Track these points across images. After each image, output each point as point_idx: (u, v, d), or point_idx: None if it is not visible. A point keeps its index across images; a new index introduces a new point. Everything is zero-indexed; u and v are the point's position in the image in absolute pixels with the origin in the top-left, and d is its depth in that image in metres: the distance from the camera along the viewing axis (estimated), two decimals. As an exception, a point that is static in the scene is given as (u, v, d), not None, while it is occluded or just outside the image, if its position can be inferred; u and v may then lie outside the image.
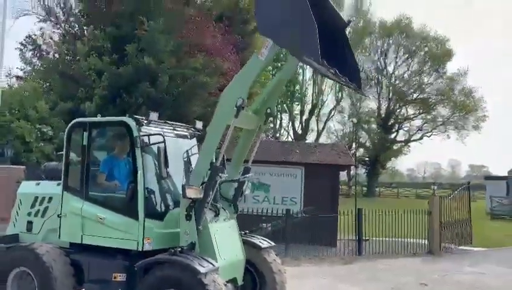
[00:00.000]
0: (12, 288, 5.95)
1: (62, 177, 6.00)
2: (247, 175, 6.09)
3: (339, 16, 5.78)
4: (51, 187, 6.36)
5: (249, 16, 18.80)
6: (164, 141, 5.32)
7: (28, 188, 6.75)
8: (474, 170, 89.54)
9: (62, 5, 17.02)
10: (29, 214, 6.50)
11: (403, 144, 45.62)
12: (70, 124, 6.03)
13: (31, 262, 5.76)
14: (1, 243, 6.40)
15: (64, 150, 6.00)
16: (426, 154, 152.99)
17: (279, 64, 27.30)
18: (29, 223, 6.47)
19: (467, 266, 10.81)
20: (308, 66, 5.40)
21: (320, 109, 43.69)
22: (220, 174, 5.31)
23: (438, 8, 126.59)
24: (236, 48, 16.42)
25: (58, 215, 5.99)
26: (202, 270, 4.78)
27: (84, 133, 5.80)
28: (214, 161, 5.48)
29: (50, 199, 6.31)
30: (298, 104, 42.38)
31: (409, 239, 12.40)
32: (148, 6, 12.71)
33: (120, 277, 5.47)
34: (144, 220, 5.38)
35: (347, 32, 6.23)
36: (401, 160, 61.44)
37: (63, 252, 5.87)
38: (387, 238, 12.23)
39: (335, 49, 5.45)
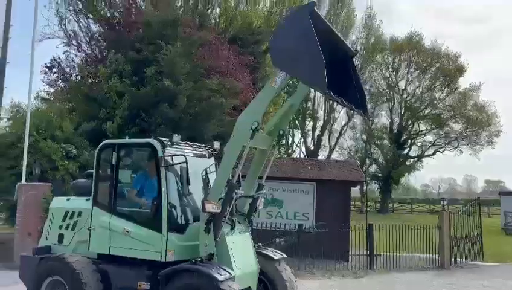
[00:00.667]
0: (46, 296, 6.49)
1: (92, 193, 6.56)
2: (261, 191, 6.59)
3: (347, 47, 6.32)
4: (80, 203, 6.95)
5: (261, 36, 19.55)
6: (186, 161, 5.85)
7: (59, 203, 7.35)
8: (491, 185, 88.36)
9: (84, 30, 18.00)
10: (60, 227, 7.07)
11: (416, 159, 45.57)
12: (100, 145, 6.64)
13: (63, 271, 6.30)
14: (35, 254, 6.98)
15: (94, 168, 6.60)
16: (441, 170, 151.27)
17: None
18: (61, 235, 7.03)
19: (476, 280, 11.02)
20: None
21: (332, 125, 44.09)
22: (236, 190, 5.82)
23: (450, 23, 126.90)
24: (250, 68, 17.09)
25: (87, 228, 6.54)
26: (220, 278, 5.26)
27: (113, 153, 6.39)
28: (231, 178, 5.99)
29: (80, 213, 6.88)
30: (310, 121, 42.83)
31: (420, 254, 12.64)
32: (166, 31, 13.43)
33: (144, 285, 5.95)
34: (167, 233, 5.89)
35: (355, 57, 6.76)
36: (415, 176, 61.06)
37: (91, 262, 6.40)
38: (398, 253, 12.49)
39: (344, 77, 6.01)
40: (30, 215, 11.22)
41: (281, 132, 6.42)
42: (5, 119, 14.96)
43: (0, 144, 12.96)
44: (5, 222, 14.44)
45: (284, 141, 6.86)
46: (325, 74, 5.05)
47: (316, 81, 5.28)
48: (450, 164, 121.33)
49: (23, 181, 11.70)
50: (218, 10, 21.67)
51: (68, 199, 7.42)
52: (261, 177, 6.71)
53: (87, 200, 6.74)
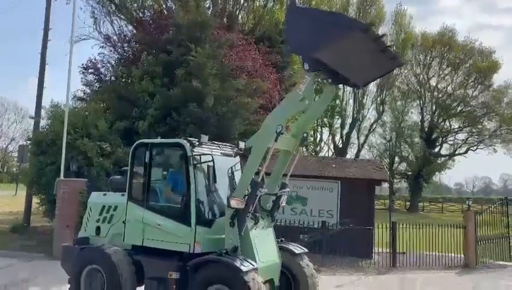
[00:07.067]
0: (85, 282, 7.04)
1: (127, 189, 7.08)
2: (284, 190, 6.93)
3: (395, 56, 6.60)
4: (116, 197, 7.48)
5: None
6: (213, 160, 6.27)
7: (97, 198, 7.92)
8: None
9: (117, 32, 18.77)
10: (97, 220, 7.62)
11: (447, 158, 44.72)
12: (134, 145, 7.15)
13: (101, 261, 6.82)
14: (75, 244, 7.58)
15: (129, 166, 7.11)
16: (477, 168, 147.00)
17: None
18: (98, 228, 7.58)
19: (501, 280, 11.01)
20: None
21: (361, 122, 43.81)
22: (260, 189, 6.19)
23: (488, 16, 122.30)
24: (276, 67, 17.41)
25: (123, 222, 7.05)
26: (244, 269, 5.65)
27: (146, 152, 6.88)
28: (255, 177, 6.33)
29: (115, 207, 7.40)
30: (338, 118, 42.69)
31: (445, 253, 12.66)
32: (195, 33, 13.92)
33: (175, 275, 6.38)
34: (195, 227, 6.34)
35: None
36: (448, 174, 59.89)
37: (127, 253, 6.90)
38: (424, 252, 12.55)
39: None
40: (68, 209, 11.87)
41: (305, 135, 6.71)
42: (46, 119, 15.81)
43: (42, 142, 13.81)
44: (44, 215, 15.29)
45: (307, 143, 7.17)
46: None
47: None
48: (486, 162, 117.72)
49: (61, 177, 12.40)
50: (246, 10, 22.07)
51: (105, 194, 7.98)
52: (286, 174, 7.01)
53: (122, 195, 7.25)
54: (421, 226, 12.68)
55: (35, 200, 15.99)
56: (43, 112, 16.47)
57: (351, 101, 42.60)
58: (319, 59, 5.73)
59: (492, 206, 13.87)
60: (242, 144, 7.39)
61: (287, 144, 6.62)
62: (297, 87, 6.18)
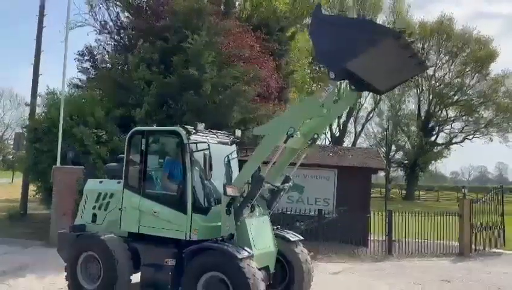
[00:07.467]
0: (81, 269, 7.08)
1: (123, 176, 7.07)
2: (287, 184, 6.93)
3: (422, 61, 6.52)
4: (112, 185, 7.49)
5: (286, 23, 19.66)
6: (209, 148, 6.26)
7: (93, 185, 7.94)
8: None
9: (113, 19, 18.55)
10: (94, 207, 7.64)
11: (443, 146, 44.88)
12: (130, 132, 7.13)
13: (98, 247, 6.87)
14: (71, 231, 7.60)
15: (125, 153, 7.10)
16: (472, 157, 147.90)
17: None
18: (94, 215, 7.61)
19: (494, 267, 11.14)
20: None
21: (358, 111, 43.79)
22: (264, 183, 6.21)
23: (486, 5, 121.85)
24: (274, 54, 17.30)
25: (119, 209, 7.07)
26: (240, 256, 5.69)
27: (142, 139, 6.87)
28: (261, 172, 6.32)
29: (112, 195, 7.42)
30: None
31: (440, 241, 12.77)
32: (191, 20, 13.79)
33: (171, 262, 6.44)
34: (192, 215, 6.35)
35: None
36: (444, 163, 60.25)
37: (123, 240, 6.94)
38: (419, 240, 12.65)
39: None
40: (65, 196, 11.86)
41: (315, 136, 6.58)
42: (42, 106, 15.71)
43: (38, 130, 13.74)
44: (41, 202, 15.29)
45: (315, 144, 7.14)
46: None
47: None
48: (481, 152, 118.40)
49: (58, 164, 12.38)
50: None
51: (101, 182, 8.00)
52: (294, 163, 6.94)
53: (118, 182, 7.26)
54: (416, 214, 12.76)
55: (31, 187, 15.97)
56: (39, 99, 16.35)
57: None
58: (348, 69, 5.50)
59: (488, 195, 13.95)
60: (238, 132, 7.38)
61: (295, 143, 6.51)
62: (319, 95, 6.08)
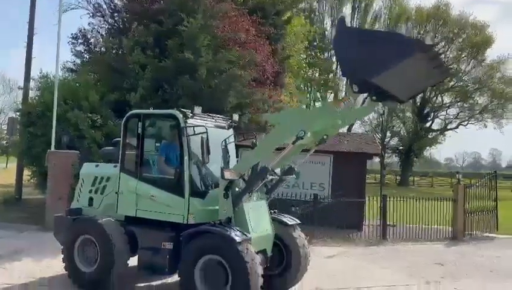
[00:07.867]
0: (78, 252, 7.08)
1: (119, 160, 7.04)
2: (290, 176, 6.92)
3: (447, 69, 6.45)
4: (108, 169, 7.46)
5: (282, 7, 19.43)
6: (206, 132, 6.22)
7: (89, 169, 7.89)
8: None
9: (107, 2, 18.25)
10: (90, 191, 7.61)
11: (438, 132, 45.09)
12: (126, 115, 7.07)
13: (94, 231, 6.86)
14: (68, 215, 7.57)
15: (121, 137, 7.05)
16: (466, 143, 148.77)
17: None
18: (90, 199, 7.58)
19: (487, 250, 11.29)
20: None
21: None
22: (268, 175, 6.20)
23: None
24: (270, 39, 17.14)
25: (116, 193, 7.04)
26: (237, 239, 5.70)
27: (139, 123, 6.81)
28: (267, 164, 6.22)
29: (108, 178, 7.39)
30: (331, 92, 42.54)
31: (434, 226, 12.88)
32: (187, 3, 13.59)
33: (168, 245, 6.45)
34: (189, 198, 6.34)
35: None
36: (438, 149, 60.58)
37: (120, 224, 6.94)
38: (413, 225, 12.77)
39: None
40: (60, 181, 11.81)
41: (325, 137, 6.43)
42: (35, 90, 15.54)
43: (31, 114, 13.61)
44: (35, 187, 15.23)
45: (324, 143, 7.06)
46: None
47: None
48: (475, 138, 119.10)
49: (52, 149, 12.30)
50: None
51: (97, 165, 7.96)
52: (308, 150, 6.84)
53: (115, 166, 7.22)
54: (410, 199, 12.86)
55: (26, 172, 15.89)
56: (32, 83, 16.17)
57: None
58: (374, 83, 5.26)
59: (482, 180, 14.07)
60: (236, 116, 7.34)
61: (304, 140, 6.30)
62: (338, 104, 5.98)
